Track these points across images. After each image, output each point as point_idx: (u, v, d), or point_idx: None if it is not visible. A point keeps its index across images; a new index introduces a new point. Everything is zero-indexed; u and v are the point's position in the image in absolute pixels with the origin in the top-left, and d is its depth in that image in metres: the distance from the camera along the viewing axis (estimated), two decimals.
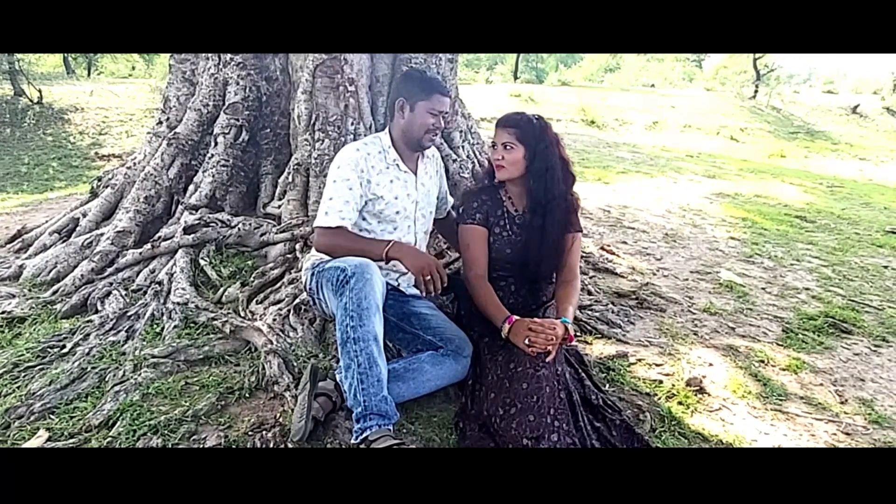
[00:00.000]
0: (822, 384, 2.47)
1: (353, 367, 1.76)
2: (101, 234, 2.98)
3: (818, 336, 2.90)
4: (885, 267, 4.10)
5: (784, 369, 2.55)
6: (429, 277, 1.91)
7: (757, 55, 21.58)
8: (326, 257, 2.11)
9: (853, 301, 3.39)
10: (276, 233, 2.89)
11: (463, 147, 3.41)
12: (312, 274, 2.12)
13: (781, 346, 2.77)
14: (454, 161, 3.23)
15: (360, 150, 2.13)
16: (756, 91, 21.39)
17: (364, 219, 2.16)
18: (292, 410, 1.87)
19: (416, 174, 2.24)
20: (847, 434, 2.14)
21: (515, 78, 25.21)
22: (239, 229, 2.95)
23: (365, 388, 1.74)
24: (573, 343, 2.00)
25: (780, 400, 2.32)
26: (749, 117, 18.51)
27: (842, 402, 2.35)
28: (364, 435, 1.71)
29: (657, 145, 11.16)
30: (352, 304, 1.78)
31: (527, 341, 1.88)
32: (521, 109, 2.26)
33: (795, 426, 2.16)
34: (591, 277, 3.32)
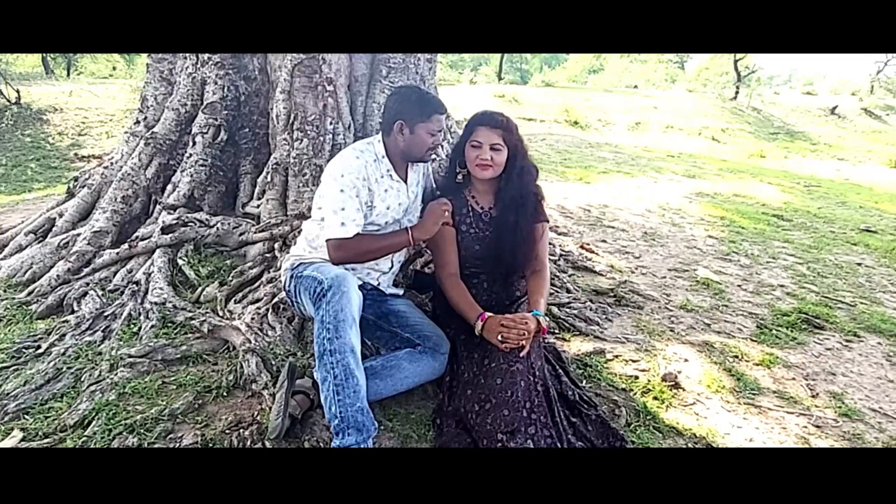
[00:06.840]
0: (794, 378, 2.52)
1: (329, 379, 1.76)
2: (78, 235, 2.95)
3: (791, 332, 2.95)
4: (859, 264, 4.18)
5: (757, 364, 2.60)
6: (447, 209, 2.13)
7: (738, 57, 21.86)
8: (306, 258, 2.12)
9: (826, 297, 3.45)
10: (255, 232, 2.88)
11: (443, 146, 3.42)
12: (291, 276, 2.12)
13: (755, 341, 2.82)
14: (434, 160, 3.24)
15: (359, 157, 2.09)
16: (737, 92, 21.69)
17: None
18: (270, 409, 1.87)
19: (406, 182, 2.23)
20: (817, 427, 2.19)
21: (499, 79, 25.29)
22: (217, 229, 2.94)
23: (341, 398, 1.74)
24: (547, 335, 2.03)
25: (753, 394, 2.36)
26: (730, 118, 18.75)
27: (813, 396, 2.40)
28: None
29: (639, 146, 11.26)
30: (328, 316, 1.79)
31: (500, 337, 1.91)
32: (492, 109, 2.28)
33: (767, 419, 2.20)
34: (569, 275, 3.35)
